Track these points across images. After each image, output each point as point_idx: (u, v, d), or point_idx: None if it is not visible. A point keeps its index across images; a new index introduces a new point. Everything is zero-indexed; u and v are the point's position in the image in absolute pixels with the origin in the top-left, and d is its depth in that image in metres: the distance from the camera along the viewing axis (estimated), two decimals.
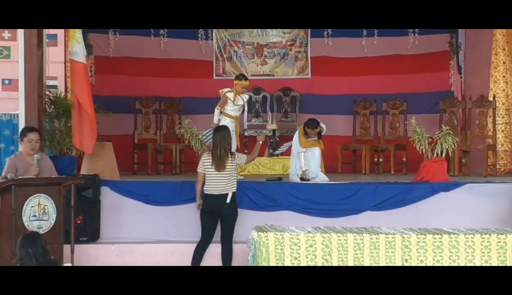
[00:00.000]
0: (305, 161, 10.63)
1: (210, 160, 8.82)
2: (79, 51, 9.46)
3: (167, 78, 13.77)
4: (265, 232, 7.39)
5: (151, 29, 13.76)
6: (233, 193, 8.79)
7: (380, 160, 12.80)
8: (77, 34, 9.47)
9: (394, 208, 9.59)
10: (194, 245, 8.92)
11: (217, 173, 8.76)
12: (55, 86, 10.78)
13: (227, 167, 8.78)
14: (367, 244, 7.35)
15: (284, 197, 9.74)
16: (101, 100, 11.70)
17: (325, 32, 14.06)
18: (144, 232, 9.51)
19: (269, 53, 14.23)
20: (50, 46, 10.83)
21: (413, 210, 9.56)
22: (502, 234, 7.39)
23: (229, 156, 8.81)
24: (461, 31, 13.92)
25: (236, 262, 8.56)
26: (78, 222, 9.00)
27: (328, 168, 12.70)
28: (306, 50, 14.18)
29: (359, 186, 9.89)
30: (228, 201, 8.71)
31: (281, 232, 7.40)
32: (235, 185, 8.85)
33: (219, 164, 8.77)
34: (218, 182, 8.76)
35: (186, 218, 9.45)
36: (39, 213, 7.98)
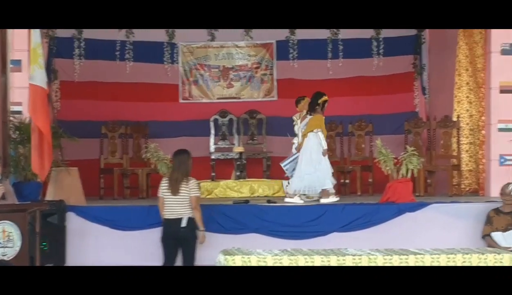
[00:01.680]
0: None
1: (167, 184, 8.83)
2: (39, 76, 9.41)
3: (133, 103, 13.75)
4: (232, 255, 7.36)
5: (117, 53, 13.75)
6: (190, 218, 8.78)
7: (347, 181, 12.85)
8: (39, 59, 9.44)
9: (361, 229, 9.64)
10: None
11: (173, 197, 8.78)
12: (19, 112, 10.69)
13: (181, 191, 8.79)
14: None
15: (251, 220, 9.75)
16: (67, 125, 11.63)
17: (291, 55, 14.14)
18: (110, 257, 9.43)
19: (235, 76, 14.26)
20: (14, 72, 10.75)
21: (380, 230, 9.61)
22: (467, 254, 7.42)
23: (184, 181, 8.83)
24: (424, 53, 14.09)
25: None
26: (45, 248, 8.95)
27: None
28: (272, 72, 14.25)
29: (325, 207, 9.92)
30: (183, 225, 8.72)
31: (248, 255, 7.37)
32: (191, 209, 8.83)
33: (174, 188, 8.80)
34: (174, 206, 8.79)
35: (153, 242, 9.39)
36: (3, 240, 7.90)
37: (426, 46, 14.02)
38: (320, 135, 10.53)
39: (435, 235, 9.41)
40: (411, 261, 7.36)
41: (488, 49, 11.81)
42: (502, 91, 11.59)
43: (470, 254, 7.41)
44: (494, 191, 10.30)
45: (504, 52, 11.54)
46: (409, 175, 10.08)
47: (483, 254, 7.44)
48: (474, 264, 7.35)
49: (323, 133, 10.54)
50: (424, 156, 11.88)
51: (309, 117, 10.76)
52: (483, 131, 12.10)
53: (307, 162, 10.56)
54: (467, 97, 12.67)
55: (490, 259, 7.37)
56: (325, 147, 10.56)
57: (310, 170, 10.51)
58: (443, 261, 7.37)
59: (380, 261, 7.35)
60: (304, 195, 10.60)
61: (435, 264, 7.37)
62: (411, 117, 13.29)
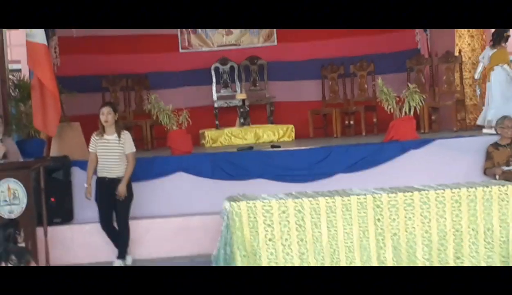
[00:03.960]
0: None
1: None
2: (37, 33, 9.31)
3: (132, 55, 13.67)
4: (237, 202, 7.39)
5: None
6: None
7: (351, 122, 12.84)
8: None
9: (366, 168, 9.63)
10: (169, 219, 8.94)
11: None
12: (19, 70, 10.65)
13: None
14: (339, 207, 7.36)
15: (256, 165, 9.74)
16: (68, 81, 11.59)
17: None
18: None
19: None
20: (11, 29, 10.67)
21: (385, 169, 9.61)
22: (471, 188, 7.43)
23: None
24: None
25: (210, 232, 8.55)
26: (53, 199, 8.99)
27: (300, 133, 12.77)
28: None
29: (329, 149, 9.90)
30: None
31: (253, 200, 7.40)
32: None
33: None
34: None
35: (159, 192, 9.43)
36: (9, 197, 7.94)
37: None
38: (507, 68, 10.57)
39: (439, 171, 9.39)
40: (416, 198, 7.39)
41: None
42: None
43: (475, 188, 7.43)
44: None
45: None
46: (412, 112, 10.02)
47: (487, 187, 7.46)
48: (479, 198, 7.37)
49: (509, 66, 10.59)
50: (427, 92, 11.83)
51: (492, 51, 10.79)
52: None
53: (500, 94, 10.57)
54: (469, 31, 12.59)
55: (495, 192, 7.41)
56: None
57: (503, 101, 10.54)
58: (448, 196, 7.39)
59: (385, 199, 7.38)
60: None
61: (440, 199, 7.39)
62: (412, 55, 13.19)
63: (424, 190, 7.45)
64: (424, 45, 13.87)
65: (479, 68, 11.00)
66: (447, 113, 12.25)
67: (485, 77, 11.11)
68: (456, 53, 12.40)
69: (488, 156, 9.42)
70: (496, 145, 9.46)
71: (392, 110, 10.05)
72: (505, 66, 10.54)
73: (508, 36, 10.83)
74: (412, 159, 9.66)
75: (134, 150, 8.63)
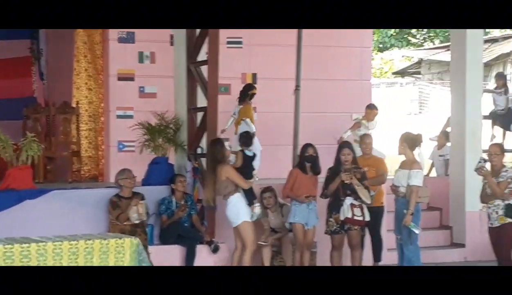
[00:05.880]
0: None
1: None
2: None
3: None
4: None
5: None
6: None
7: None
8: None
9: None
10: None
11: None
12: None
13: None
14: None
15: None
16: None
17: None
18: None
19: None
20: None
21: (0, 219, 9.36)
22: (89, 240, 7.53)
23: None
24: (42, 37, 13.87)
25: None
26: None
27: None
28: None
29: None
30: None
31: None
32: None
33: None
34: None
35: None
36: None
37: (43, 30, 13.82)
38: (248, 122, 11.54)
39: (57, 222, 9.40)
40: (33, 250, 7.29)
41: (106, 36, 12.04)
42: (120, 79, 11.93)
43: (93, 240, 7.54)
44: (113, 176, 10.52)
45: (121, 40, 11.87)
46: (29, 161, 9.93)
47: (105, 239, 7.61)
48: (96, 249, 7.49)
49: (251, 120, 11.58)
50: (43, 142, 11.76)
51: (239, 106, 11.73)
52: (102, 118, 12.34)
53: None
54: (86, 83, 12.81)
55: (112, 244, 7.57)
56: (254, 130, 11.35)
57: None
58: (65, 247, 7.41)
59: (0, 251, 7.18)
60: None
61: (58, 251, 7.38)
62: (29, 103, 13.06)
63: (41, 242, 7.39)
64: (40, 94, 13.82)
65: (230, 121, 11.76)
66: (62, 164, 12.28)
67: None
68: (74, 105, 12.53)
69: (115, 205, 9.69)
70: (118, 197, 9.77)
71: (8, 159, 9.88)
72: (247, 120, 11.56)
73: (254, 94, 11.83)
74: (29, 209, 9.56)
75: None
